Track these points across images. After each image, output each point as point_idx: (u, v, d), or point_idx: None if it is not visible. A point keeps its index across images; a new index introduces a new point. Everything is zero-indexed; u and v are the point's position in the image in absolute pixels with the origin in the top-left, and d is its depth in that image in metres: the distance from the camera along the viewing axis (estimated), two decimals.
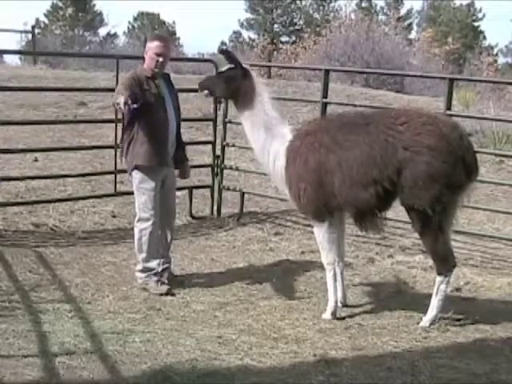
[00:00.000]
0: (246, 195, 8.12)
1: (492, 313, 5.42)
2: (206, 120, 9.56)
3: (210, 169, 8.32)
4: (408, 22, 47.46)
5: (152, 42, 5.75)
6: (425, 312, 5.12)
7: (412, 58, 26.39)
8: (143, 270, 5.80)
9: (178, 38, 45.98)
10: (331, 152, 5.03)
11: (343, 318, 5.21)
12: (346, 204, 5.08)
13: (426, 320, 5.07)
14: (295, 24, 48.52)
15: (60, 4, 44.91)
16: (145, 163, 5.67)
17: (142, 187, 5.73)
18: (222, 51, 5.57)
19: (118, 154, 7.12)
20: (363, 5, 45.61)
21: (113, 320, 4.92)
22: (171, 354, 4.28)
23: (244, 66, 5.42)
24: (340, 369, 4.17)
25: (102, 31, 45.68)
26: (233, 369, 4.09)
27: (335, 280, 5.28)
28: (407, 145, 4.84)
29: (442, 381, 4.08)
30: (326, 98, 7.46)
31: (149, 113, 5.60)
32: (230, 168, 8.39)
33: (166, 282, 5.80)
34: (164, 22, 49.04)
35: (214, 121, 8.15)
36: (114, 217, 7.69)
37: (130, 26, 49.16)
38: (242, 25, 49.47)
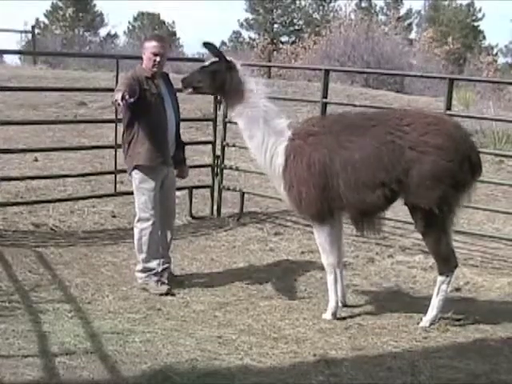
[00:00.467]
0: (245, 195, 8.12)
1: (492, 313, 5.42)
2: (206, 120, 9.56)
3: (209, 169, 8.32)
4: (408, 22, 47.47)
5: (149, 42, 5.75)
6: (425, 312, 5.12)
7: (412, 58, 26.42)
8: (143, 270, 5.80)
9: (178, 38, 46.04)
10: (336, 154, 4.97)
11: (343, 318, 5.20)
12: (351, 206, 5.03)
13: (426, 320, 5.07)
14: (295, 24, 48.52)
15: (60, 4, 44.91)
16: (146, 163, 5.67)
17: (141, 187, 5.73)
18: (205, 44, 5.36)
19: (118, 154, 7.14)
20: (363, 5, 45.60)
21: (113, 320, 4.92)
22: (171, 354, 4.28)
23: (228, 58, 5.26)
24: (340, 369, 4.17)
25: (102, 31, 45.76)
26: (233, 369, 4.09)
27: (336, 281, 5.27)
28: (414, 145, 4.83)
29: (441, 381, 4.07)
30: (325, 98, 7.46)
31: (149, 113, 5.60)
32: (230, 168, 8.39)
33: (166, 282, 5.80)
34: (164, 22, 49.06)
35: (214, 121, 8.15)
36: (114, 217, 7.69)
37: (130, 26, 49.20)
38: (241, 25, 49.51)
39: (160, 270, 5.80)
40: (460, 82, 15.92)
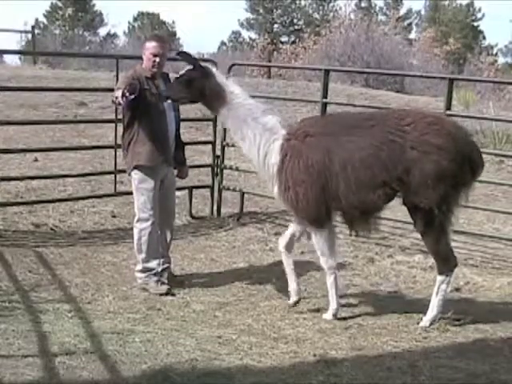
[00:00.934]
0: (245, 195, 8.12)
1: (492, 313, 5.42)
2: (206, 120, 9.54)
3: (210, 169, 8.32)
4: (408, 22, 47.49)
5: (149, 43, 5.75)
6: (425, 312, 5.11)
7: (412, 58, 26.45)
8: (143, 270, 5.80)
9: (178, 38, 46.03)
10: (336, 155, 4.94)
11: (343, 318, 5.20)
12: (350, 207, 5.00)
13: (426, 320, 5.07)
14: (295, 24, 48.52)
15: (59, 4, 44.90)
16: (146, 163, 5.67)
17: (141, 187, 5.73)
18: (178, 53, 5.42)
19: (118, 154, 7.14)
20: (363, 5, 45.60)
21: (113, 320, 4.92)
22: (171, 354, 4.28)
23: (203, 64, 5.24)
24: (340, 369, 4.16)
25: (102, 31, 45.77)
26: (233, 369, 4.08)
27: (337, 282, 5.26)
28: (415, 145, 4.83)
29: (441, 381, 4.07)
30: (325, 98, 7.46)
31: (149, 113, 5.60)
32: (230, 168, 8.38)
33: (166, 281, 5.80)
34: (164, 22, 49.07)
35: (214, 121, 8.14)
36: (114, 217, 7.69)
37: (130, 26, 49.21)
38: (242, 25, 49.55)
39: (160, 270, 5.80)
40: (460, 81, 15.93)
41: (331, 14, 44.48)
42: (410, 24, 47.89)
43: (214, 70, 5.25)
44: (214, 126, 8.18)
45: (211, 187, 8.15)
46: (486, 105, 14.46)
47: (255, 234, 7.50)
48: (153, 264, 5.79)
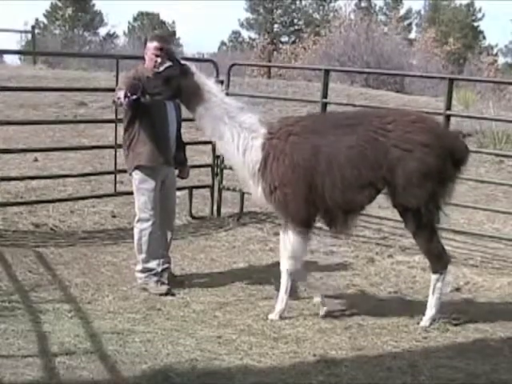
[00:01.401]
0: (245, 195, 8.11)
1: (492, 313, 5.42)
2: None
3: (209, 169, 8.32)
4: (408, 22, 47.49)
5: (151, 43, 5.75)
6: (425, 312, 5.11)
7: (412, 58, 26.44)
8: (143, 271, 5.80)
9: (178, 38, 46.02)
10: (321, 154, 4.91)
11: (343, 319, 5.20)
12: (336, 207, 4.97)
13: (425, 320, 5.07)
14: (295, 24, 48.52)
15: (59, 4, 44.89)
16: (147, 163, 5.67)
17: (141, 188, 5.73)
18: (160, 49, 5.41)
19: (118, 154, 7.13)
20: (363, 5, 45.59)
21: (113, 320, 4.92)
22: (171, 354, 4.28)
23: (182, 62, 5.20)
24: (340, 369, 4.17)
25: (102, 31, 45.72)
26: (233, 369, 4.08)
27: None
28: (398, 143, 4.84)
29: (441, 381, 4.08)
30: (325, 98, 7.47)
31: (149, 113, 5.59)
32: (230, 168, 8.35)
33: (166, 282, 5.80)
34: (164, 22, 49.06)
35: None
36: (114, 217, 7.69)
37: (130, 26, 49.19)
38: (242, 25, 49.53)
39: (160, 270, 5.80)
40: (460, 81, 15.93)
41: (331, 14, 44.47)
42: (410, 24, 47.90)
43: (192, 68, 5.19)
44: None
45: (211, 187, 8.15)
46: (485, 105, 14.44)
47: (255, 234, 7.50)
48: (153, 264, 5.78)
